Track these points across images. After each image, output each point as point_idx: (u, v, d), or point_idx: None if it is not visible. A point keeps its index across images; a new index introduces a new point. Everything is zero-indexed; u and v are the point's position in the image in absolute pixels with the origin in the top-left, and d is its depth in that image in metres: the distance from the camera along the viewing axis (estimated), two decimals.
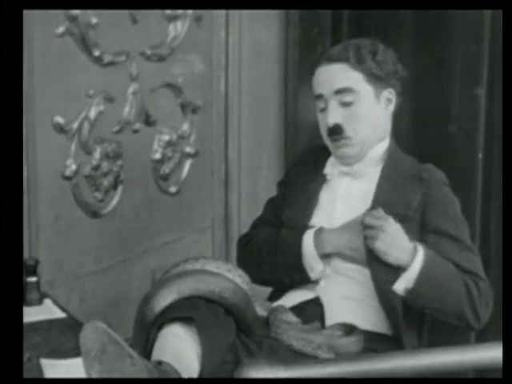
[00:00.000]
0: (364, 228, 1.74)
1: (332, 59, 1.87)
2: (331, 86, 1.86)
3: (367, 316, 1.79)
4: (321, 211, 1.90)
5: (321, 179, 1.95)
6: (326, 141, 1.92)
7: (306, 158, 2.07)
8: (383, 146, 1.92)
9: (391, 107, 1.92)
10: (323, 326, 1.77)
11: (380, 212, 1.74)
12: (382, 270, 1.75)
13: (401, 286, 1.72)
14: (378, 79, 1.87)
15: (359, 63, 1.85)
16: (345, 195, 1.90)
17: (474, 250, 1.84)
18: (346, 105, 1.85)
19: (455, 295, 1.73)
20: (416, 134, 2.17)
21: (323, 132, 1.92)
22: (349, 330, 1.72)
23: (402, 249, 1.72)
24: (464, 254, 1.79)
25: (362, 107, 1.86)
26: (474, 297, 1.73)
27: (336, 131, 1.85)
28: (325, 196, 1.93)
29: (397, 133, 2.01)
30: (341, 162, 1.92)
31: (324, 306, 1.81)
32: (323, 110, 1.89)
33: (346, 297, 1.81)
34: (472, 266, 1.78)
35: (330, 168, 1.95)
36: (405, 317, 1.78)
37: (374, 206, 1.80)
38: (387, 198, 1.83)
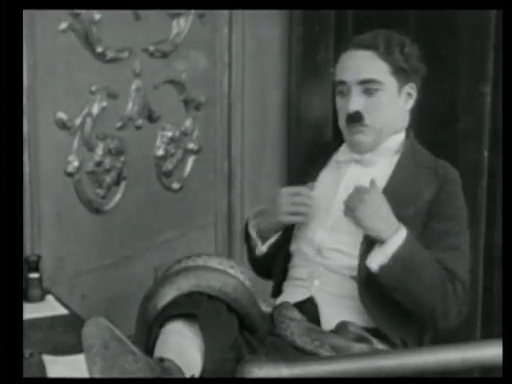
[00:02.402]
0: (345, 203, 1.76)
1: (361, 45, 1.87)
2: (356, 75, 1.85)
3: (362, 312, 1.78)
4: (321, 199, 1.90)
5: (332, 168, 1.96)
6: (342, 126, 1.92)
7: (310, 156, 2.08)
8: (399, 138, 1.92)
9: (411, 102, 1.92)
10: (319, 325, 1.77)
11: (361, 187, 1.75)
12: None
13: (375, 260, 1.70)
14: (402, 72, 1.87)
15: (387, 54, 1.85)
16: (350, 182, 1.88)
17: (464, 252, 1.80)
18: (368, 93, 1.85)
19: (429, 287, 1.71)
20: (421, 131, 2.16)
21: (341, 117, 1.91)
22: (358, 334, 1.72)
23: (381, 220, 1.71)
24: (451, 254, 1.76)
25: (383, 98, 1.86)
26: (448, 295, 1.71)
27: (356, 118, 1.86)
28: (329, 182, 1.92)
29: None
30: (353, 149, 1.92)
31: (318, 306, 1.80)
32: (344, 95, 1.89)
33: (340, 295, 1.80)
34: (455, 267, 1.75)
35: (342, 154, 1.96)
36: (409, 315, 1.78)
37: (384, 193, 1.78)
38: (400, 186, 1.83)
